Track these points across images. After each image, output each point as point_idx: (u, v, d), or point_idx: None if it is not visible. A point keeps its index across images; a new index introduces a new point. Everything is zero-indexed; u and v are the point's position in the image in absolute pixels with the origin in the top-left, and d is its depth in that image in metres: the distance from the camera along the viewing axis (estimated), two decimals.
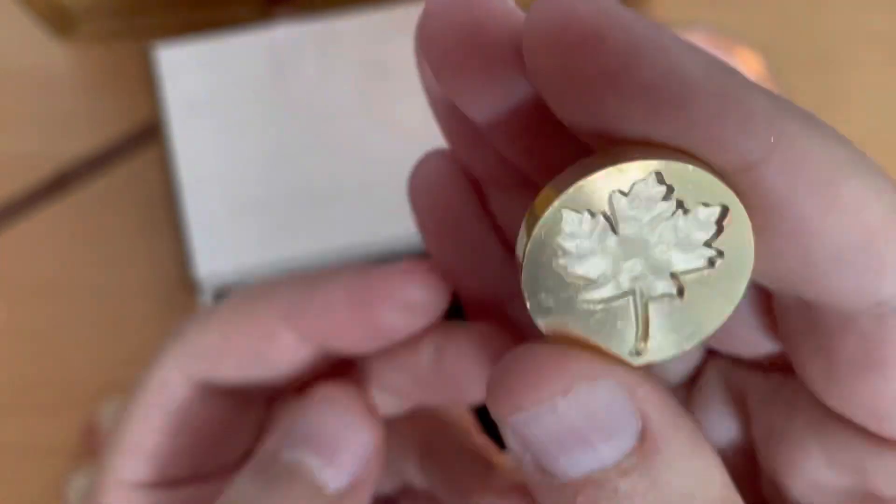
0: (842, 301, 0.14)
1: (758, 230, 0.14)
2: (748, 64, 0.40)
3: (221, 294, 0.43)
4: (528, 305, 0.14)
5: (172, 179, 0.41)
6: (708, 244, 0.14)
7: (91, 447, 0.44)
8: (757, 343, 0.17)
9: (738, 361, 0.18)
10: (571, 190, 0.13)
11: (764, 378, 0.18)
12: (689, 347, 0.15)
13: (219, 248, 0.41)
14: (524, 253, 0.14)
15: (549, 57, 0.13)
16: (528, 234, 0.14)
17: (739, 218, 0.14)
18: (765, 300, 0.16)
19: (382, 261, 0.42)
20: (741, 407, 0.18)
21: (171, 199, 0.42)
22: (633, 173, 0.13)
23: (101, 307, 0.46)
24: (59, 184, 0.47)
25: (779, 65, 0.50)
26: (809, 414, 0.16)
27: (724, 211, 0.13)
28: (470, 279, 0.19)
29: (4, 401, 0.46)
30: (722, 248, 0.14)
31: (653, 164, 0.13)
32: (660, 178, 0.13)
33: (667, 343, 0.14)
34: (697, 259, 0.14)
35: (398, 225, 0.41)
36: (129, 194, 0.47)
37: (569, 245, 0.14)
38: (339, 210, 0.41)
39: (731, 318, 0.15)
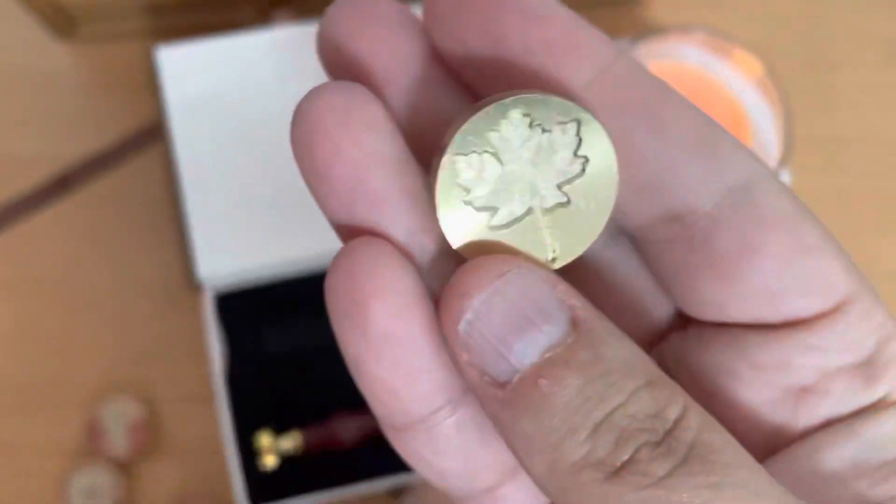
0: (694, 195, 0.17)
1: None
2: (747, 65, 0.40)
3: (223, 295, 0.43)
4: (449, 240, 0.17)
5: (174, 180, 0.41)
6: (575, 153, 0.17)
7: (94, 447, 0.44)
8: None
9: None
10: (456, 137, 0.16)
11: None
12: (590, 243, 0.17)
13: (220, 248, 0.41)
14: (435, 196, 0.17)
15: None
16: (434, 181, 0.17)
17: (593, 126, 0.17)
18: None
19: None
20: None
21: (172, 200, 0.42)
22: (497, 111, 0.16)
23: (103, 307, 0.47)
24: (61, 184, 0.47)
25: (777, 66, 0.50)
26: (714, 346, 0.18)
27: (579, 124, 0.17)
28: None
29: (7, 400, 0.46)
30: (587, 154, 0.17)
31: (508, 100, 0.16)
32: (519, 110, 0.16)
33: (572, 244, 0.17)
34: (572, 169, 0.17)
35: None
36: (132, 195, 0.47)
37: (467, 183, 0.17)
38: None
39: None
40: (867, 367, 0.17)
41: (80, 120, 0.48)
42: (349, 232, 0.17)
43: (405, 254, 0.17)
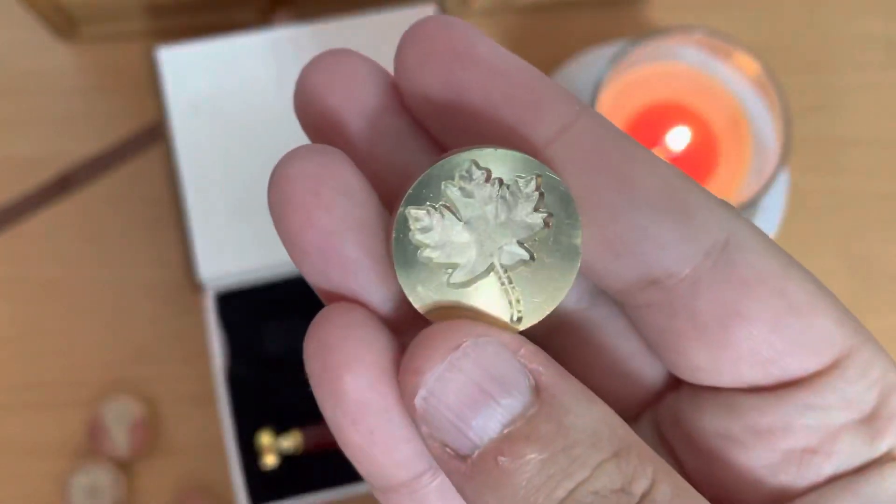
0: (670, 257, 0.16)
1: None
2: (746, 66, 0.40)
3: (223, 295, 0.43)
4: (410, 300, 0.16)
5: (175, 180, 0.42)
6: (536, 209, 0.16)
7: (94, 446, 0.44)
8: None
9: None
10: (411, 190, 0.16)
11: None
12: (557, 303, 0.17)
13: (221, 249, 0.41)
14: (392, 253, 0.16)
15: (419, 49, 0.17)
16: (389, 236, 0.16)
17: (553, 182, 0.16)
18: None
19: None
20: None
21: (173, 200, 0.42)
22: (454, 164, 0.16)
23: (103, 307, 0.47)
24: (61, 185, 0.47)
25: (776, 67, 0.50)
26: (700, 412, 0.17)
27: (539, 179, 0.16)
28: None
29: (7, 400, 0.46)
30: (549, 209, 0.16)
31: (465, 154, 0.16)
32: (476, 164, 0.16)
33: (539, 303, 0.16)
34: (534, 224, 0.16)
35: None
36: (133, 195, 0.47)
37: (424, 238, 0.16)
38: None
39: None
40: (870, 423, 0.16)
41: (80, 120, 0.48)
42: (327, 295, 0.17)
43: (382, 317, 0.17)
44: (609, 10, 0.50)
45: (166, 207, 0.46)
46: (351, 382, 0.16)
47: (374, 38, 0.40)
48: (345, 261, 0.16)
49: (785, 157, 0.39)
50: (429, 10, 0.41)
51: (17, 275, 0.47)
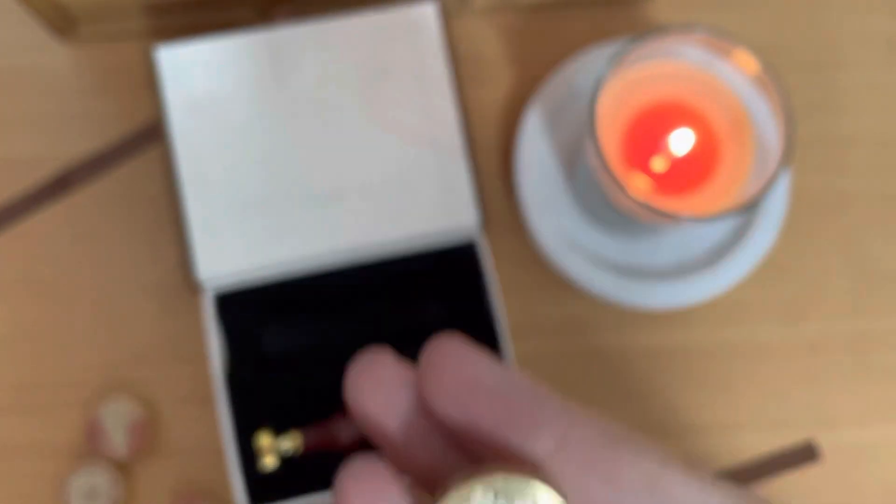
0: None
1: None
2: (747, 65, 0.40)
3: (223, 295, 0.43)
4: None
5: (174, 180, 0.41)
6: None
7: (93, 447, 0.44)
8: None
9: None
10: None
11: None
12: None
13: (220, 249, 0.41)
14: None
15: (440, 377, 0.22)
16: None
17: (551, 497, 0.20)
18: None
19: (383, 264, 0.42)
20: None
21: (172, 200, 0.42)
22: (467, 491, 0.20)
23: (102, 308, 0.47)
24: (60, 185, 0.47)
25: (778, 65, 0.50)
26: None
27: (537, 497, 0.20)
28: None
29: (6, 400, 0.46)
30: None
31: (477, 482, 0.20)
32: (486, 489, 0.20)
33: None
34: None
35: (398, 226, 0.41)
36: (131, 195, 0.47)
37: None
38: (339, 211, 0.41)
39: None
40: None
41: (79, 120, 0.48)
42: None
43: None
44: (609, 8, 0.50)
45: (165, 207, 0.46)
46: None
47: (373, 36, 0.40)
48: None
49: (787, 157, 0.39)
50: (429, 10, 0.41)
51: (14, 275, 0.47)
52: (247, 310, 0.43)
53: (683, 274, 0.46)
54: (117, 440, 0.44)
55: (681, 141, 0.41)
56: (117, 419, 0.44)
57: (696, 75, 0.42)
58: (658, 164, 0.42)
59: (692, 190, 0.42)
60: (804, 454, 0.47)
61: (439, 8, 0.41)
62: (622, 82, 0.42)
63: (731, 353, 0.48)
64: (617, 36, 0.49)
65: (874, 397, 0.48)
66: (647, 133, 0.42)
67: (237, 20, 0.47)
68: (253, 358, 0.44)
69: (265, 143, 0.41)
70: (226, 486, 0.45)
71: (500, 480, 0.20)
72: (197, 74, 0.41)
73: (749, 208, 0.40)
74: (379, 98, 0.40)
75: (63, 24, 0.47)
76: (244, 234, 0.41)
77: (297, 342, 0.44)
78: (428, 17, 0.40)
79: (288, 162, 0.41)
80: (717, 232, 0.47)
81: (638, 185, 0.42)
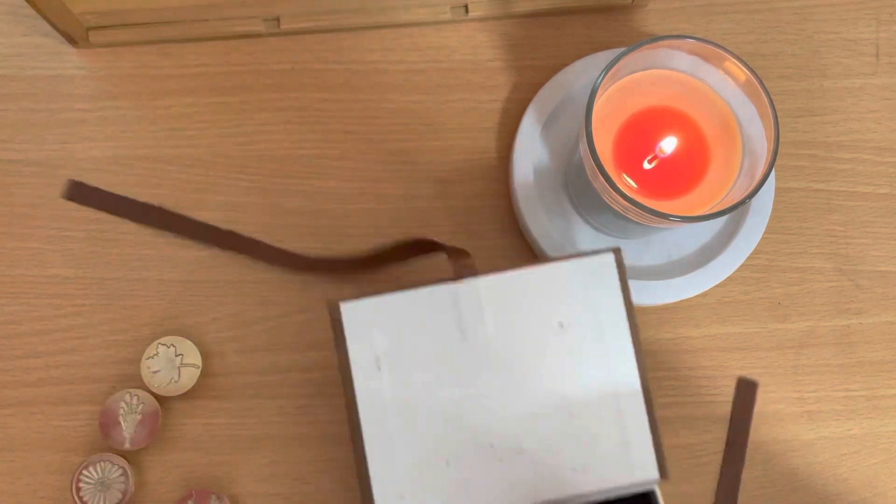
0: None
1: None
2: (736, 72, 0.41)
3: None
4: None
5: (354, 437, 0.39)
6: None
7: (106, 439, 0.44)
8: None
9: None
10: None
11: None
12: None
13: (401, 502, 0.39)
14: None
15: None
16: None
17: None
18: None
19: None
20: None
21: (358, 458, 0.39)
22: None
23: (113, 305, 0.47)
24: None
25: (766, 72, 0.50)
26: None
27: None
28: None
29: (19, 393, 0.46)
30: None
31: None
32: None
33: None
34: None
35: (578, 481, 0.39)
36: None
37: None
38: (519, 465, 0.39)
39: None
40: None
41: (90, 125, 0.48)
42: None
43: None
44: (603, 17, 0.50)
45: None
46: None
47: (553, 286, 0.39)
48: None
49: (773, 161, 0.40)
50: (608, 259, 0.39)
51: (27, 273, 0.47)
52: None
53: (673, 272, 0.47)
54: (129, 432, 0.44)
55: (671, 144, 0.42)
56: (129, 411, 0.45)
57: (686, 82, 0.42)
58: (649, 167, 0.42)
59: (682, 191, 0.42)
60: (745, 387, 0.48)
61: (619, 258, 0.39)
62: (616, 89, 0.42)
63: (720, 349, 0.48)
64: (611, 43, 0.50)
65: (859, 391, 0.48)
66: (639, 137, 0.42)
67: (242, 31, 0.47)
68: None
69: (447, 397, 0.39)
70: (233, 479, 0.45)
71: None
72: (379, 329, 0.39)
73: (737, 210, 0.40)
74: (559, 349, 0.39)
75: (75, 32, 0.47)
76: (425, 490, 0.39)
77: None
78: (607, 265, 0.39)
79: (469, 415, 0.39)
80: (706, 232, 0.48)
81: (630, 187, 0.42)
